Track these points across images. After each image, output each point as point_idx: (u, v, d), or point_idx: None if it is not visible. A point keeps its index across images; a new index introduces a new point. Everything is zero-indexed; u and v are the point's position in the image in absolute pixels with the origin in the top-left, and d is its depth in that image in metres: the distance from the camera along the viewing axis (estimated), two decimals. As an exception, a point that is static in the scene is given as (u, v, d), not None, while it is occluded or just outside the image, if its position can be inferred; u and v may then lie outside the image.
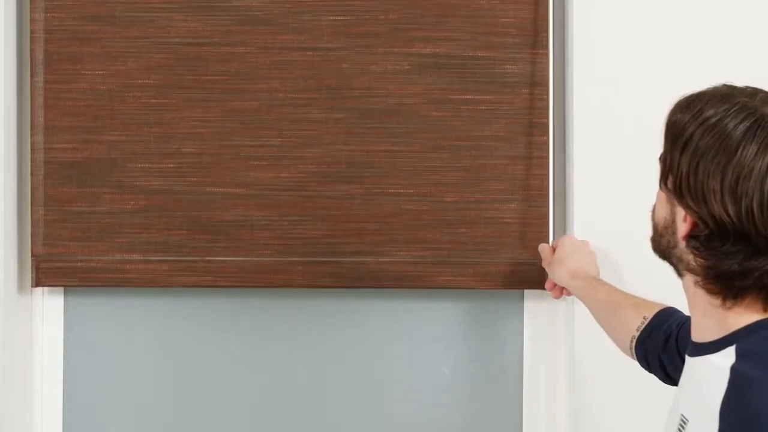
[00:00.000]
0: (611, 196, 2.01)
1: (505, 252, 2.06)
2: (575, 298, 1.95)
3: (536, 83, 2.06)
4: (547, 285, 1.99)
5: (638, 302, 1.73)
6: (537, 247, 2.04)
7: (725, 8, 2.02)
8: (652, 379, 1.78)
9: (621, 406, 2.02)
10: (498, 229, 2.06)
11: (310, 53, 2.06)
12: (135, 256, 2.06)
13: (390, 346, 2.13)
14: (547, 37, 2.06)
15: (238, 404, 2.13)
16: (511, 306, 2.13)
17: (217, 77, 2.06)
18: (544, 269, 2.04)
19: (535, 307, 2.12)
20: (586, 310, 2.01)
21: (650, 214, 1.37)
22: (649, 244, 1.37)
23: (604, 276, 1.93)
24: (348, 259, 2.06)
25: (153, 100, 2.06)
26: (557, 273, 1.92)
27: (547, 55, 2.05)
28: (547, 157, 2.06)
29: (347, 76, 2.06)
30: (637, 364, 1.76)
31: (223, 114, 2.06)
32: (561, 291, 1.96)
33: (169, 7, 2.06)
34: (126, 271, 2.06)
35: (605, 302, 1.79)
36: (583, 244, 1.96)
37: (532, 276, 2.05)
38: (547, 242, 2.06)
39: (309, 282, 2.06)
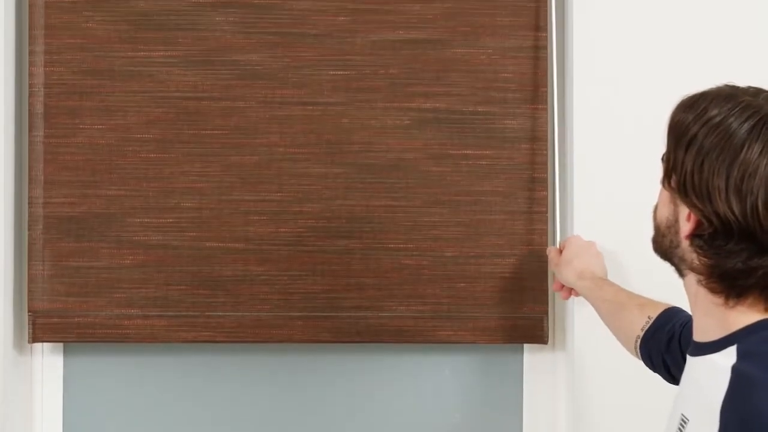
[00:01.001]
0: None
1: (504, 307, 2.06)
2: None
3: (536, 138, 2.06)
4: (555, 286, 1.99)
5: (643, 302, 1.73)
6: (537, 301, 2.04)
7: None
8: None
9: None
10: (497, 283, 2.06)
11: (310, 108, 2.06)
12: (133, 312, 2.05)
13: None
14: (546, 92, 2.06)
15: (235, 404, 2.12)
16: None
17: (216, 132, 2.06)
18: (543, 323, 2.04)
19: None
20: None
21: (652, 214, 1.37)
22: (650, 251, 1.37)
23: (610, 278, 1.93)
24: (347, 314, 2.05)
25: (152, 155, 2.06)
26: (564, 273, 1.92)
27: (546, 110, 2.06)
28: (547, 212, 2.06)
29: (347, 131, 2.06)
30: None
31: (222, 168, 2.06)
32: (569, 292, 1.96)
33: (168, 62, 2.06)
34: (124, 327, 2.05)
35: (611, 302, 1.79)
36: (589, 245, 1.96)
37: (531, 330, 2.06)
38: (546, 296, 2.06)
39: (308, 337, 2.05)
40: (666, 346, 1.61)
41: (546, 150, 2.06)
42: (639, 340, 1.68)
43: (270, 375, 2.12)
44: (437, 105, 2.06)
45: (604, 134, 2.03)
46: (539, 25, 2.06)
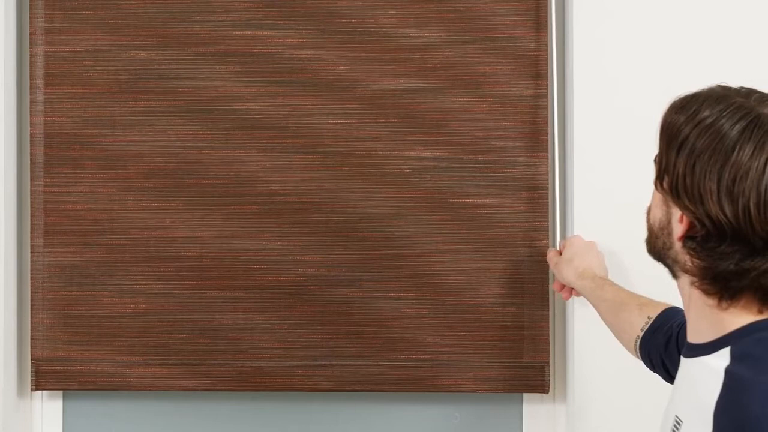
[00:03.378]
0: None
1: (505, 356, 2.06)
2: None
3: (536, 187, 2.06)
4: (555, 286, 1.99)
5: (644, 302, 1.73)
6: (537, 350, 2.04)
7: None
8: None
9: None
10: (498, 332, 2.06)
11: (310, 157, 2.06)
12: (135, 360, 2.06)
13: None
14: (546, 140, 2.05)
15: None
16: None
17: (217, 181, 2.06)
18: (544, 372, 2.04)
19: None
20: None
21: (645, 215, 1.36)
22: (644, 251, 1.37)
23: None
24: (348, 363, 2.06)
25: (153, 204, 2.07)
26: (565, 273, 1.91)
27: (547, 158, 2.05)
28: (547, 264, 2.06)
29: (347, 180, 2.06)
30: None
31: (223, 217, 2.06)
32: (570, 292, 1.96)
33: (168, 111, 2.06)
34: (125, 375, 2.06)
35: (612, 302, 1.79)
36: (591, 245, 1.96)
37: (532, 379, 2.06)
38: (547, 345, 2.06)
39: (308, 386, 2.06)
40: (664, 346, 1.61)
41: (546, 198, 2.06)
42: (639, 341, 1.67)
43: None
44: (437, 153, 2.06)
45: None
46: (539, 74, 2.05)
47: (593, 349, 2.01)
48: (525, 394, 2.12)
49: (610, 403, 2.01)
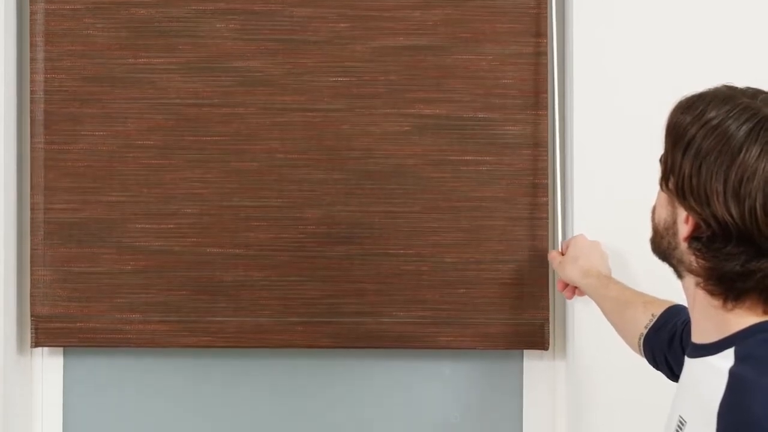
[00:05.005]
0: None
1: (505, 312, 2.06)
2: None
3: (537, 144, 2.06)
4: (558, 286, 1.99)
5: (648, 300, 1.73)
6: (537, 307, 2.04)
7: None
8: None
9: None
10: (498, 289, 2.06)
11: (310, 114, 2.07)
12: (134, 317, 2.06)
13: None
14: (546, 97, 2.06)
15: (234, 411, 2.13)
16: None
17: (217, 138, 2.06)
18: (544, 329, 2.05)
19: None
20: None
21: (650, 215, 1.36)
22: (651, 255, 1.37)
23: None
24: (347, 320, 2.06)
25: (153, 161, 2.07)
26: (569, 271, 1.91)
27: (547, 115, 2.06)
28: (548, 218, 2.06)
29: (347, 137, 2.06)
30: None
31: (223, 174, 2.06)
32: (573, 291, 1.96)
33: (169, 69, 2.06)
34: (125, 332, 2.06)
35: (616, 300, 1.79)
36: (595, 244, 1.96)
37: (531, 336, 2.06)
38: (547, 302, 2.06)
39: (308, 342, 2.06)
40: (668, 344, 1.61)
41: (546, 155, 2.06)
42: (642, 338, 1.67)
43: (270, 380, 2.13)
44: (437, 111, 2.06)
45: (604, 139, 2.02)
46: (539, 32, 2.06)
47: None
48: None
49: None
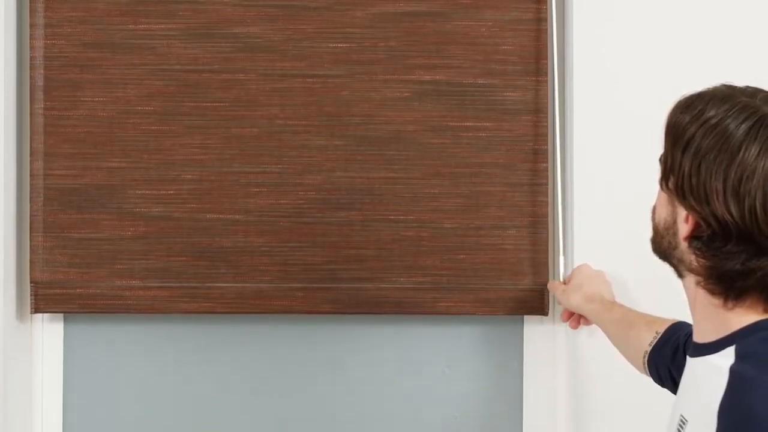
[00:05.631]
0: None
1: (505, 278, 2.06)
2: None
3: (537, 110, 2.07)
4: (563, 316, 2.00)
5: (651, 320, 1.73)
6: (537, 273, 2.05)
7: (726, 18, 2.03)
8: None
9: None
10: (498, 255, 2.06)
11: (310, 80, 2.07)
12: (134, 283, 2.06)
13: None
14: (547, 63, 2.06)
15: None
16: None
17: (216, 104, 2.06)
18: (544, 295, 2.05)
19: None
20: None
21: (650, 215, 1.36)
22: (649, 247, 1.37)
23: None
24: (347, 285, 2.06)
25: (153, 127, 2.07)
26: (572, 299, 1.92)
27: (547, 81, 2.06)
28: (548, 184, 2.06)
29: (347, 103, 2.07)
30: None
31: (222, 141, 2.06)
32: (578, 320, 1.97)
33: (169, 35, 2.06)
34: (125, 298, 2.05)
35: (620, 322, 1.79)
36: (599, 273, 1.97)
37: (532, 302, 2.06)
38: (547, 267, 2.06)
39: (308, 308, 2.06)
40: (671, 358, 1.61)
41: (547, 122, 2.06)
42: (647, 356, 1.68)
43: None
44: (437, 77, 2.06)
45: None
46: (539, -3, 2.07)
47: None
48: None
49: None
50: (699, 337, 1.31)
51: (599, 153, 2.03)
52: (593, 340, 2.02)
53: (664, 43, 2.03)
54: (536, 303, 2.06)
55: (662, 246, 1.33)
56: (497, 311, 2.06)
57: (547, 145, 2.06)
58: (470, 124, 2.07)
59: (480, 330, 2.13)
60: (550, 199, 2.07)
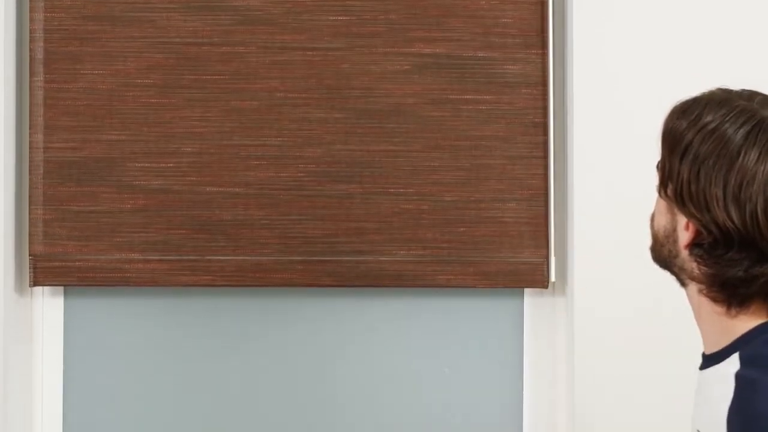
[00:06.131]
0: (611, 193, 2.02)
1: (504, 251, 2.06)
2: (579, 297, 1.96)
3: (536, 83, 2.07)
4: None
5: None
6: (537, 245, 2.05)
7: (727, 4, 2.03)
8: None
9: (621, 403, 2.02)
10: (497, 228, 2.06)
11: (310, 53, 2.07)
12: (134, 255, 2.05)
13: (389, 345, 2.12)
14: (546, 37, 2.06)
15: (237, 401, 2.12)
16: (510, 304, 2.13)
17: (216, 77, 2.06)
18: (544, 267, 2.05)
19: (534, 304, 2.12)
20: (587, 307, 2.02)
21: (649, 222, 1.33)
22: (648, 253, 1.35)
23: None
24: (347, 258, 2.06)
25: (152, 100, 2.06)
26: None
27: (546, 55, 2.06)
28: (547, 157, 2.07)
29: (347, 76, 2.07)
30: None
31: (222, 114, 2.06)
32: None
33: (168, 7, 2.06)
34: (125, 270, 2.05)
35: None
36: None
37: (531, 274, 2.06)
38: (547, 240, 2.06)
39: (308, 281, 2.06)
40: None
41: (546, 94, 2.07)
42: None
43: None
44: (437, 50, 2.06)
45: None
46: (539, -30, 2.07)
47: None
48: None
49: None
50: (707, 348, 1.29)
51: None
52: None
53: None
54: (536, 275, 2.06)
55: (662, 254, 1.30)
56: (497, 284, 2.06)
57: (545, 118, 2.06)
58: (470, 97, 2.07)
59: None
60: (549, 172, 2.07)
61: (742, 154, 1.18)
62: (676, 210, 1.24)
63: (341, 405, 2.13)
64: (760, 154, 1.18)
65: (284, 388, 2.12)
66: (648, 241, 1.33)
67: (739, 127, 1.19)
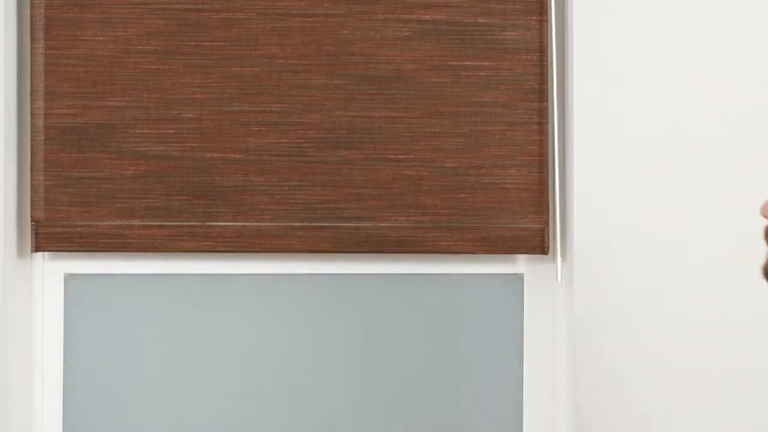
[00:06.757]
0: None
1: (504, 217, 2.06)
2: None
3: (535, 49, 2.06)
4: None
5: None
6: (538, 211, 2.05)
7: None
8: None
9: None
10: (498, 194, 2.07)
11: (310, 19, 2.07)
12: (135, 221, 2.06)
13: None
14: (546, 3, 2.06)
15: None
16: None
17: (216, 43, 2.07)
18: (544, 233, 2.05)
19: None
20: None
21: (764, 238, 1.30)
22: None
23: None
24: (347, 224, 2.06)
25: (153, 66, 2.07)
26: None
27: (546, 21, 2.06)
28: (547, 123, 2.06)
29: (347, 42, 2.07)
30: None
31: (222, 80, 2.07)
32: None
33: (169, -27, 2.06)
34: (125, 236, 2.06)
35: None
36: None
37: (531, 240, 2.06)
38: (548, 206, 2.06)
39: (308, 247, 2.06)
40: None
41: (546, 61, 2.06)
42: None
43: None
44: (437, 16, 2.06)
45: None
46: (539, -65, 2.06)
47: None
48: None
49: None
50: None
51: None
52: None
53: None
54: (536, 241, 2.06)
55: None
56: (498, 250, 2.06)
57: (545, 84, 2.06)
58: (470, 63, 2.07)
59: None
60: (549, 138, 2.07)
61: None
62: None
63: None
64: None
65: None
66: (762, 260, 1.27)
67: None
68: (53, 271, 2.12)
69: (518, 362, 2.12)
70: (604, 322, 2.01)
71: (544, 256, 2.10)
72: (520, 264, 2.12)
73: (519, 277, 2.13)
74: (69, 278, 2.13)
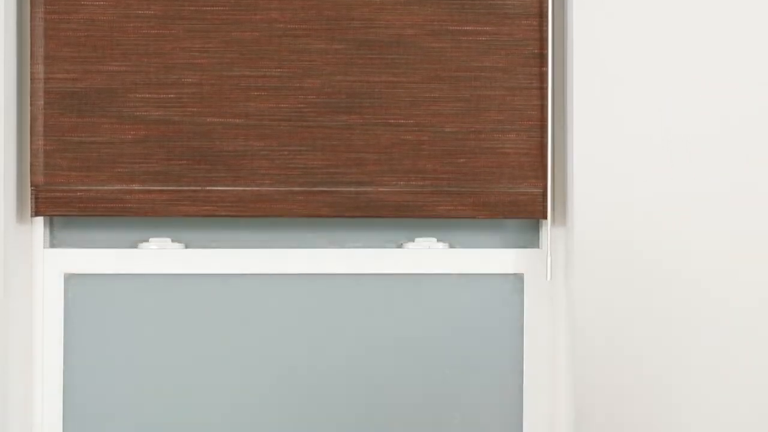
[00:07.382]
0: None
1: (504, 182, 2.07)
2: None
3: (535, 14, 2.07)
4: None
5: None
6: (537, 176, 2.05)
7: None
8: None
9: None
10: (497, 159, 2.07)
11: (310, -16, 2.07)
12: (135, 186, 2.06)
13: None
14: (546, -32, 2.06)
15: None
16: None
17: (216, 8, 2.07)
18: (544, 197, 2.05)
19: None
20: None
21: None
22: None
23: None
24: (347, 189, 2.06)
25: (153, 31, 2.07)
26: None
27: (546, -14, 2.07)
28: (546, 88, 2.07)
29: (347, 7, 2.07)
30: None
31: (222, 44, 2.07)
32: None
33: (169, -62, 2.06)
34: (126, 201, 2.06)
35: None
36: None
37: (531, 205, 2.06)
38: (547, 171, 2.06)
39: (308, 211, 2.06)
40: None
41: (545, 26, 2.06)
42: None
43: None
44: (437, -19, 2.07)
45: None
46: None
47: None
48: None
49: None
50: None
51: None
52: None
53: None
54: (535, 206, 2.06)
55: None
56: (497, 214, 2.07)
57: (544, 49, 2.06)
58: (470, 28, 2.07)
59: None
60: (548, 102, 2.07)
61: None
62: None
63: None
64: None
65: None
66: None
67: None
68: (53, 271, 2.11)
69: (518, 362, 2.13)
70: (604, 321, 2.01)
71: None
72: (521, 264, 2.12)
73: (519, 277, 2.13)
74: (69, 278, 2.13)
